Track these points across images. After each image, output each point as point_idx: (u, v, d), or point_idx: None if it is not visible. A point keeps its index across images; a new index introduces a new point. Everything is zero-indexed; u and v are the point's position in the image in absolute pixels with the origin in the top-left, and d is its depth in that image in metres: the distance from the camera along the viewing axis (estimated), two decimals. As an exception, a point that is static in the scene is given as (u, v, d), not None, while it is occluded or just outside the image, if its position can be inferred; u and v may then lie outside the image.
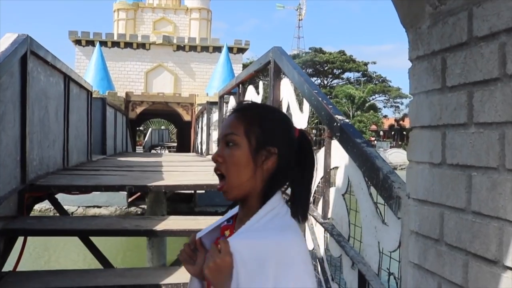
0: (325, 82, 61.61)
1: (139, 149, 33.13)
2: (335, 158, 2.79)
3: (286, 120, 1.28)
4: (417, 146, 1.55)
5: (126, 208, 15.60)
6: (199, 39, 30.29)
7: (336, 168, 2.76)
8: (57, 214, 5.45)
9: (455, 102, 1.34)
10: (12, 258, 3.67)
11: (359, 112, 50.94)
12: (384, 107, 63.91)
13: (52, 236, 5.76)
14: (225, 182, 1.19)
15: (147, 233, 4.18)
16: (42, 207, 13.61)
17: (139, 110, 25.51)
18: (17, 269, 3.80)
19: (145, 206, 13.74)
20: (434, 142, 1.44)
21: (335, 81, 63.37)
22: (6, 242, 3.48)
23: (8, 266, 3.50)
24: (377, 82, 61.99)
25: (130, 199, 15.22)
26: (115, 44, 29.37)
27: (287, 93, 4.02)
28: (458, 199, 1.30)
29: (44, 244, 11.81)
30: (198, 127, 14.52)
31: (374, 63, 70.68)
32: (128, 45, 29.48)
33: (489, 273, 1.17)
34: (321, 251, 2.95)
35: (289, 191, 1.28)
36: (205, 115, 11.86)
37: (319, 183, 3.06)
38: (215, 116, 10.39)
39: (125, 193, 14.24)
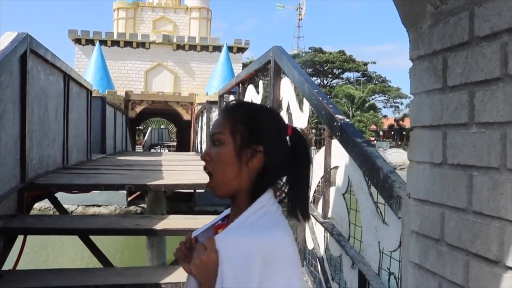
0: (325, 82, 61.63)
1: (139, 148, 33.13)
2: (335, 157, 2.79)
3: (274, 118, 1.27)
4: (418, 146, 1.55)
5: (125, 207, 15.60)
6: (199, 38, 30.31)
7: (336, 167, 2.76)
8: (57, 213, 5.45)
9: (456, 102, 1.34)
10: (12, 257, 3.66)
11: (358, 112, 50.95)
12: (384, 107, 64.03)
13: (52, 235, 5.74)
14: (212, 180, 1.21)
15: (147, 232, 4.18)
16: (42, 206, 13.61)
17: (138, 109, 25.53)
18: (17, 268, 3.79)
19: (144, 205, 13.74)
20: (435, 142, 1.44)
21: (335, 81, 63.41)
22: (6, 241, 3.48)
23: (7, 265, 3.50)
24: (377, 82, 62.03)
25: (129, 198, 15.22)
26: (115, 43, 29.39)
27: (287, 92, 4.02)
28: (459, 199, 1.30)
29: (43, 243, 11.81)
30: (198, 127, 14.52)
31: (374, 63, 70.84)
32: (128, 44, 29.50)
33: (490, 273, 1.16)
34: (321, 251, 2.95)
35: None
36: (205, 115, 11.86)
37: (319, 182, 3.06)
38: (214, 116, 10.40)
39: (125, 192, 14.23)
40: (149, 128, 45.02)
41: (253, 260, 1.07)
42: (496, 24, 1.18)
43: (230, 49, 28.46)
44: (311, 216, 3.15)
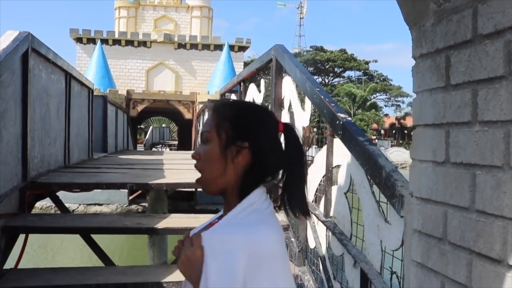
0: (326, 80, 61.60)
1: (140, 147, 33.13)
2: (337, 156, 2.79)
3: (261, 115, 1.27)
4: (421, 144, 1.54)
5: (127, 206, 15.60)
6: (200, 37, 30.30)
7: (338, 166, 2.76)
8: (58, 212, 5.45)
9: (459, 100, 1.33)
10: (13, 255, 3.66)
11: (360, 111, 50.91)
12: (385, 105, 64.00)
13: (54, 234, 5.74)
14: (201, 176, 1.24)
15: (148, 231, 4.18)
16: (43, 204, 13.61)
17: (140, 108, 25.51)
18: (18, 267, 3.79)
19: (146, 204, 13.75)
20: (437, 141, 1.43)
21: (336, 79, 63.38)
22: (8, 239, 3.47)
23: (9, 264, 3.50)
24: (378, 80, 61.98)
25: (131, 197, 15.22)
26: (116, 42, 29.39)
27: (289, 91, 4.02)
28: (462, 198, 1.30)
29: (43, 242, 11.82)
30: (199, 125, 14.52)
31: (375, 61, 70.77)
32: (129, 43, 29.50)
33: (493, 272, 1.16)
34: (323, 250, 2.95)
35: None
36: (206, 113, 11.86)
37: (321, 181, 3.05)
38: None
39: (126, 191, 14.24)
40: (151, 127, 45.02)
41: (238, 257, 1.06)
42: (499, 22, 1.17)
43: (231, 47, 28.42)
44: (312, 215, 3.15)
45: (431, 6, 1.48)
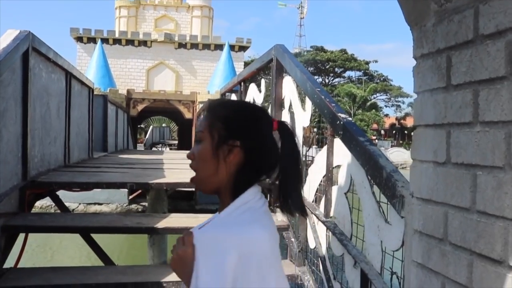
0: (326, 80, 61.60)
1: (140, 147, 33.14)
2: (338, 156, 2.79)
3: (253, 114, 1.27)
4: (421, 144, 1.54)
5: (127, 206, 15.59)
6: (200, 37, 30.31)
7: (339, 166, 2.76)
8: (58, 211, 5.45)
9: (460, 100, 1.33)
10: (13, 255, 3.66)
11: (360, 111, 50.91)
12: (385, 106, 64.02)
13: (54, 233, 5.74)
14: (195, 176, 1.25)
15: (148, 231, 4.18)
16: (43, 204, 13.60)
17: (140, 107, 25.51)
18: (18, 266, 3.79)
19: (146, 204, 13.74)
20: (438, 141, 1.43)
21: (337, 79, 63.39)
22: (7, 238, 3.47)
23: (9, 263, 3.50)
24: (378, 81, 61.99)
25: (131, 197, 15.21)
26: (117, 41, 29.41)
27: (289, 91, 4.01)
28: (463, 198, 1.30)
29: (42, 241, 11.82)
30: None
31: (376, 61, 70.76)
32: (130, 42, 29.52)
33: (494, 273, 1.16)
34: (323, 250, 2.94)
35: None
36: (206, 113, 11.82)
37: (321, 181, 3.05)
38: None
39: (126, 190, 14.24)
40: (151, 127, 45.02)
41: (229, 256, 1.06)
42: (501, 22, 1.17)
43: (231, 47, 28.43)
44: (312, 215, 3.14)
45: (432, 6, 1.48)
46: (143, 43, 29.59)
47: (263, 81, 5.17)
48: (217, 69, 26.16)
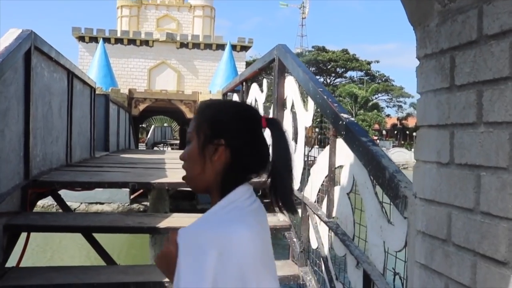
0: (328, 80, 61.57)
1: (142, 146, 33.13)
2: (340, 156, 2.78)
3: (239, 113, 1.27)
4: (425, 145, 1.54)
5: (128, 205, 15.59)
6: (202, 37, 30.29)
7: (341, 167, 2.75)
8: (60, 210, 5.45)
9: (464, 101, 1.32)
10: (15, 254, 3.66)
11: (362, 111, 50.89)
12: (387, 106, 63.97)
13: (55, 232, 5.74)
14: (185, 175, 1.28)
15: (150, 230, 4.18)
16: (45, 203, 13.61)
17: (142, 107, 25.52)
18: (20, 265, 3.79)
19: (147, 203, 13.72)
20: (442, 142, 1.43)
21: (338, 80, 63.37)
22: (9, 237, 3.47)
23: (11, 262, 3.50)
24: (380, 81, 61.95)
25: (132, 196, 15.21)
26: (119, 40, 29.40)
27: (291, 91, 4.01)
28: (467, 199, 1.29)
29: (42, 240, 11.83)
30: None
31: (377, 62, 70.63)
32: (132, 42, 29.51)
33: (498, 275, 1.15)
34: (325, 250, 2.94)
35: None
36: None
37: (323, 181, 3.05)
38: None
39: (128, 190, 14.23)
40: (152, 126, 44.99)
41: (209, 254, 1.06)
42: (505, 22, 1.16)
43: (233, 47, 28.40)
44: (315, 216, 3.14)
45: (435, 6, 1.48)
46: (145, 42, 29.58)
47: (265, 81, 5.16)
48: (218, 69, 26.15)
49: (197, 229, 1.15)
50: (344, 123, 2.54)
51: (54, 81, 5.13)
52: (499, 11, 1.19)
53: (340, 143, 2.75)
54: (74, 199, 14.14)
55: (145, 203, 14.68)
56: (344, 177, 2.68)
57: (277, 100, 4.23)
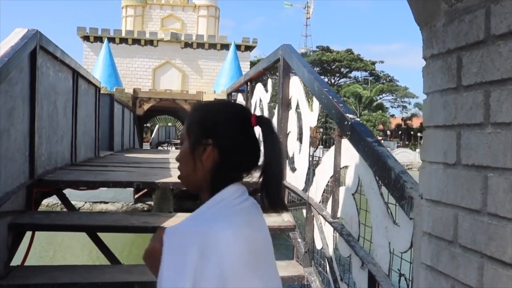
0: (332, 81, 61.49)
1: (146, 146, 33.18)
2: (345, 157, 2.77)
3: (226, 111, 1.28)
4: (431, 146, 1.53)
5: (132, 204, 15.63)
6: (206, 37, 30.34)
7: (346, 167, 2.74)
8: (64, 209, 5.47)
9: (471, 101, 1.32)
10: (20, 252, 3.67)
11: (366, 112, 50.81)
12: (392, 106, 63.87)
13: (60, 232, 5.75)
14: (179, 175, 1.31)
15: (154, 230, 4.13)
16: (49, 202, 13.65)
17: (146, 106, 25.58)
18: (25, 264, 3.80)
19: (151, 203, 13.78)
20: (448, 142, 1.42)
21: (343, 80, 63.29)
22: (14, 236, 3.48)
23: (16, 261, 3.51)
24: (384, 81, 61.85)
25: (136, 195, 15.25)
26: (123, 40, 29.49)
27: (296, 91, 4.00)
28: (474, 200, 1.28)
29: (45, 239, 11.86)
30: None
31: (382, 62, 70.55)
32: (136, 41, 29.59)
33: (506, 277, 1.14)
34: (330, 251, 2.93)
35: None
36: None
37: (328, 182, 3.04)
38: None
39: (132, 189, 14.26)
40: (157, 126, 45.03)
41: (190, 252, 1.07)
42: (514, 22, 1.15)
43: (238, 47, 28.43)
44: (319, 216, 3.13)
45: (442, 6, 1.47)
46: (150, 42, 29.66)
47: (270, 81, 5.16)
48: (223, 68, 26.19)
49: (182, 227, 1.16)
50: (349, 123, 2.53)
51: (59, 81, 5.14)
52: (507, 11, 1.18)
53: (346, 143, 2.74)
54: (78, 198, 14.18)
55: (149, 202, 14.73)
56: (349, 178, 2.67)
57: (282, 100, 4.22)
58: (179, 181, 1.33)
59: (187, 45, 29.99)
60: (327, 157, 3.10)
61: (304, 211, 3.53)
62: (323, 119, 3.90)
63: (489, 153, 1.23)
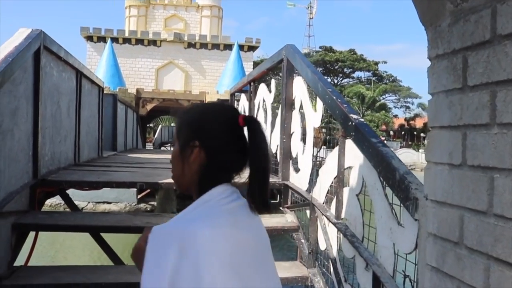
0: (335, 81, 61.42)
1: (149, 146, 33.22)
2: (349, 157, 2.77)
3: (212, 113, 1.29)
4: (436, 146, 1.52)
5: (135, 205, 15.64)
6: (210, 37, 30.33)
7: (350, 168, 2.74)
8: (68, 209, 5.47)
9: (477, 102, 1.31)
10: (23, 253, 3.68)
11: (369, 112, 50.75)
12: (395, 107, 63.74)
13: (64, 232, 5.75)
14: (172, 177, 1.33)
15: (157, 230, 4.17)
16: (52, 202, 13.66)
17: (149, 107, 25.59)
18: (28, 264, 3.81)
19: (154, 203, 13.77)
20: (454, 143, 1.41)
21: (346, 80, 63.21)
22: (18, 236, 3.49)
23: (19, 261, 3.51)
24: (387, 81, 61.75)
25: (139, 196, 15.26)
26: (126, 40, 29.49)
27: (300, 91, 4.00)
28: (480, 202, 1.27)
29: (47, 239, 11.87)
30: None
31: (385, 62, 70.26)
32: (139, 41, 29.59)
33: (513, 278, 1.13)
34: (334, 252, 2.93)
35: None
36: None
37: (332, 182, 3.03)
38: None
39: (135, 189, 14.27)
40: (160, 126, 45.10)
41: (169, 250, 1.08)
42: (520, 22, 1.15)
43: (241, 47, 28.40)
44: (323, 217, 3.13)
45: (447, 6, 1.46)
46: (153, 42, 29.67)
47: (273, 81, 5.15)
48: (226, 69, 26.16)
49: (166, 227, 1.16)
50: (353, 124, 2.53)
51: (62, 81, 5.15)
52: (513, 11, 1.17)
53: (349, 144, 2.73)
54: (81, 198, 14.20)
55: (152, 202, 14.73)
56: (353, 178, 2.66)
57: (285, 100, 4.22)
58: None
59: (190, 45, 29.99)
60: (331, 157, 3.09)
61: (308, 211, 3.52)
62: (326, 120, 3.90)
63: (495, 154, 1.22)
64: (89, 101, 7.07)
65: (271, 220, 3.87)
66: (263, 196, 1.24)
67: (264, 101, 5.41)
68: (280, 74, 4.64)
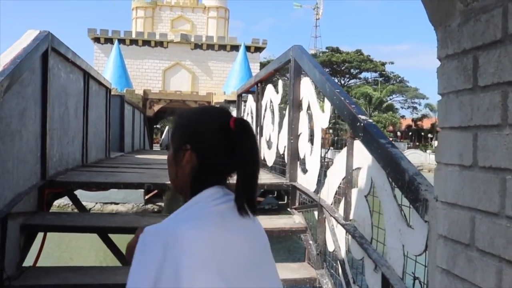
0: (342, 82, 61.28)
1: (156, 147, 33.30)
2: (358, 158, 2.75)
3: (204, 116, 1.30)
4: (446, 147, 1.50)
5: (143, 206, 15.66)
6: (216, 38, 30.37)
7: (359, 168, 2.72)
8: (76, 210, 5.49)
9: (488, 102, 1.29)
10: (32, 253, 3.69)
11: (376, 113, 50.58)
12: (402, 107, 63.49)
13: (72, 233, 5.77)
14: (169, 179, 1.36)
15: (165, 231, 4.17)
16: (60, 202, 13.71)
17: (156, 108, 25.66)
18: (37, 265, 3.82)
19: (161, 204, 13.79)
20: (464, 144, 1.40)
21: (352, 81, 63.04)
22: (26, 237, 3.50)
23: (27, 262, 3.52)
24: (394, 82, 61.52)
25: (147, 197, 15.27)
26: (133, 42, 29.58)
27: (307, 92, 3.99)
28: (491, 203, 1.26)
29: (53, 240, 11.90)
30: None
31: (392, 63, 70.17)
32: (146, 43, 29.67)
33: (526, 281, 1.12)
34: (342, 253, 2.91)
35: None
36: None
37: (340, 183, 3.02)
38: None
39: (142, 190, 14.29)
40: (167, 127, 45.22)
41: (155, 250, 1.09)
42: (533, 21, 1.13)
43: (247, 48, 28.40)
44: (331, 218, 3.11)
45: (457, 5, 1.44)
46: (160, 43, 29.74)
47: (280, 82, 5.14)
48: (233, 70, 26.16)
49: (156, 227, 1.17)
50: (362, 124, 2.51)
51: (70, 82, 5.16)
52: (525, 10, 1.16)
53: (358, 144, 2.72)
54: (89, 199, 14.23)
55: (159, 203, 14.74)
56: (361, 179, 2.65)
57: (292, 101, 4.21)
58: None
59: (197, 46, 30.04)
60: (339, 158, 3.08)
61: (316, 213, 3.51)
62: (333, 121, 3.88)
63: (507, 154, 1.21)
64: (97, 102, 7.09)
65: (278, 221, 3.86)
66: (250, 198, 1.24)
67: (271, 102, 5.40)
68: (287, 75, 4.63)
